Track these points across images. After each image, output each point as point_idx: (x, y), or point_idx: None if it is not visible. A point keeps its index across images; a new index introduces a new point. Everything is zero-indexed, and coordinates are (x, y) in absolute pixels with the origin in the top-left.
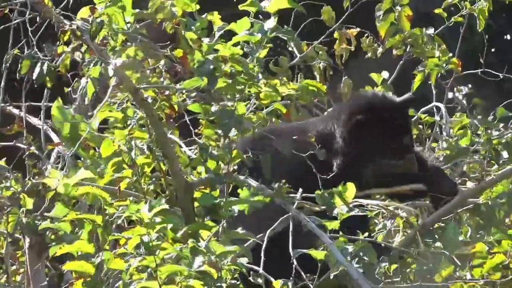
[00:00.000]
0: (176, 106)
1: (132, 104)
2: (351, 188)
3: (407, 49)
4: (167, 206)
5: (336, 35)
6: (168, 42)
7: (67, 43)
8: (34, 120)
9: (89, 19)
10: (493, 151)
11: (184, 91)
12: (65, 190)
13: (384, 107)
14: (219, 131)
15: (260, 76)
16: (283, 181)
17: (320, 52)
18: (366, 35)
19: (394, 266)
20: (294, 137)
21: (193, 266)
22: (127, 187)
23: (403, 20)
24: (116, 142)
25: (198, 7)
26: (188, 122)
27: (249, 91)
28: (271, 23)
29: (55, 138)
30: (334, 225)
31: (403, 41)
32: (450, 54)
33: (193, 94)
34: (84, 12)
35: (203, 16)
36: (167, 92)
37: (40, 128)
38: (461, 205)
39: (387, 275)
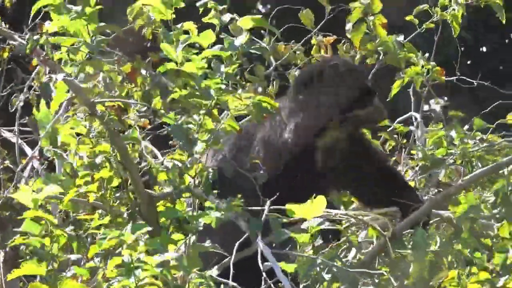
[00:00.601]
0: (128, 120)
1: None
2: (320, 202)
3: (380, 57)
4: (150, 228)
5: (313, 41)
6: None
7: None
8: (7, 134)
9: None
10: (468, 163)
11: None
12: (34, 205)
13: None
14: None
15: (212, 92)
16: (239, 195)
17: (298, 53)
18: (342, 41)
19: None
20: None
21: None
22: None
23: (378, 28)
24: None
25: (173, 16)
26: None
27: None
28: (241, 39)
29: (29, 151)
30: (304, 238)
31: (376, 49)
32: (433, 63)
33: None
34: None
35: (178, 25)
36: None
37: (14, 142)
38: (430, 212)
39: None
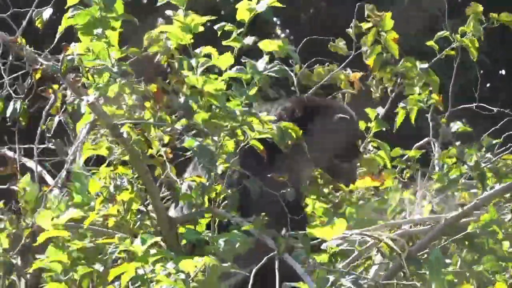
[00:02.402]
0: (155, 142)
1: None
2: (341, 223)
3: (398, 81)
4: (159, 239)
5: (342, 76)
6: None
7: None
8: (28, 162)
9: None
10: (481, 176)
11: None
12: (54, 230)
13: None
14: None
15: (238, 112)
16: (263, 214)
17: (342, 77)
18: (371, 77)
19: None
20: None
21: None
22: (115, 225)
23: (390, 44)
24: (102, 179)
25: (192, 41)
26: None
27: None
28: (263, 62)
29: (49, 180)
30: (323, 258)
31: (394, 73)
32: (430, 88)
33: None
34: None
35: (198, 50)
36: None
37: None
38: (446, 232)
39: None
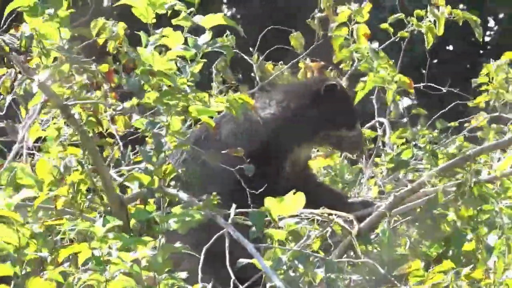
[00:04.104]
0: (104, 121)
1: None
2: (299, 199)
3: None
4: (120, 223)
5: (301, 64)
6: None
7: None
8: None
9: (16, 34)
10: (433, 153)
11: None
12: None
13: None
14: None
15: (188, 90)
16: (214, 193)
17: (285, 73)
18: (329, 68)
19: (320, 276)
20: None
21: None
22: (64, 205)
23: (360, 38)
24: (50, 160)
25: (154, 20)
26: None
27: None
28: (205, 37)
29: None
30: (280, 235)
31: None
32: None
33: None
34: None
35: (158, 30)
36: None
37: None
38: (394, 208)
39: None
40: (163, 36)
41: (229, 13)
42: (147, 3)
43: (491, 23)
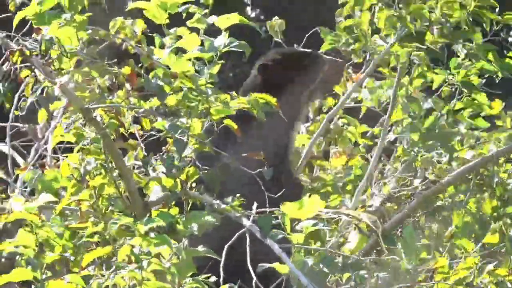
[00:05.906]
0: (127, 124)
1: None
2: (315, 201)
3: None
4: (164, 224)
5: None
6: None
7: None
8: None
9: (37, 38)
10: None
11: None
12: (27, 214)
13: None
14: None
15: (210, 91)
16: (237, 195)
17: None
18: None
19: (347, 275)
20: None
21: None
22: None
23: (363, 26)
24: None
25: (168, 21)
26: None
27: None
28: (221, 39)
29: (22, 162)
30: (299, 238)
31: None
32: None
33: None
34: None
35: (172, 30)
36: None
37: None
38: (420, 208)
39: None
40: (179, 37)
41: (253, 14)
42: (159, 4)
43: None
